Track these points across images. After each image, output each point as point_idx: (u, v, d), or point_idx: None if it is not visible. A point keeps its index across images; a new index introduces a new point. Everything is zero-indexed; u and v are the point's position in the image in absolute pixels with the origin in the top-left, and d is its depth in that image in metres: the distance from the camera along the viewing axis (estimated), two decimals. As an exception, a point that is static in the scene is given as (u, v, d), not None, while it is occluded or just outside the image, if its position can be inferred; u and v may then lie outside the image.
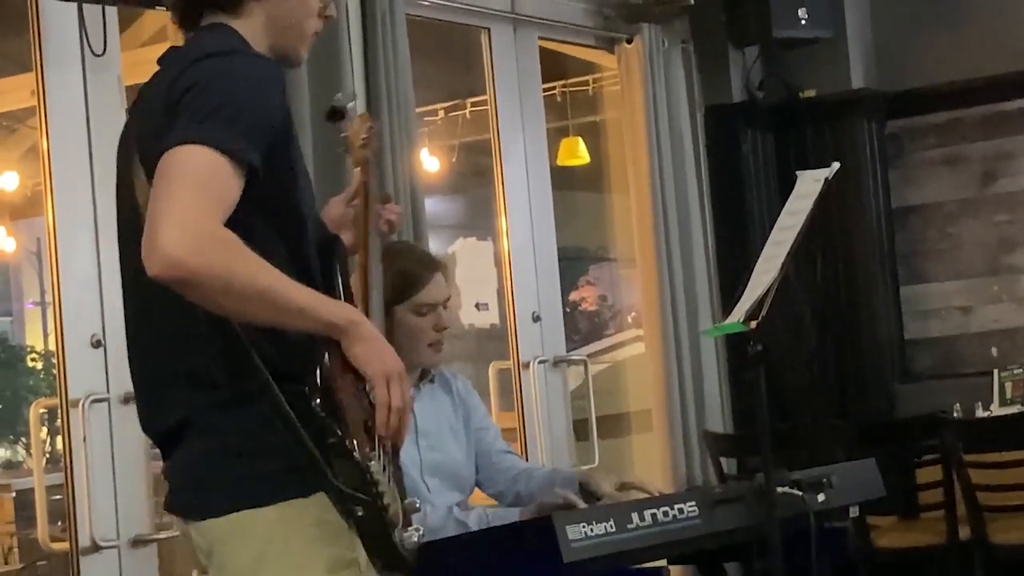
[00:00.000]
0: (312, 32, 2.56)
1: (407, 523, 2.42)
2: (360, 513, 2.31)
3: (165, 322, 2.42)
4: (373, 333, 2.37)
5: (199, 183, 2.21)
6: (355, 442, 2.31)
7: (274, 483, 2.36)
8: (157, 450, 2.55)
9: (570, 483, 3.80)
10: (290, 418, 2.27)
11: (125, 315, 2.58)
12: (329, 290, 2.47)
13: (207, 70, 2.36)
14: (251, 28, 2.50)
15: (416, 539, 2.39)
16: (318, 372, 2.32)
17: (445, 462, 3.86)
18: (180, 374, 2.42)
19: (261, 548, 2.37)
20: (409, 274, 3.81)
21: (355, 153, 2.83)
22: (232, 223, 2.23)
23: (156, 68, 2.53)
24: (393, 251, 3.90)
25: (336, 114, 2.87)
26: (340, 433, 2.30)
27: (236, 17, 2.50)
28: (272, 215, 2.38)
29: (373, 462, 2.34)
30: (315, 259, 2.48)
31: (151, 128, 2.35)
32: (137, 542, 4.29)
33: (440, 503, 3.73)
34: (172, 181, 2.22)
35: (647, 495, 3.70)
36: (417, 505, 2.43)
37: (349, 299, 2.57)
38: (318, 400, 2.30)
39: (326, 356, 2.33)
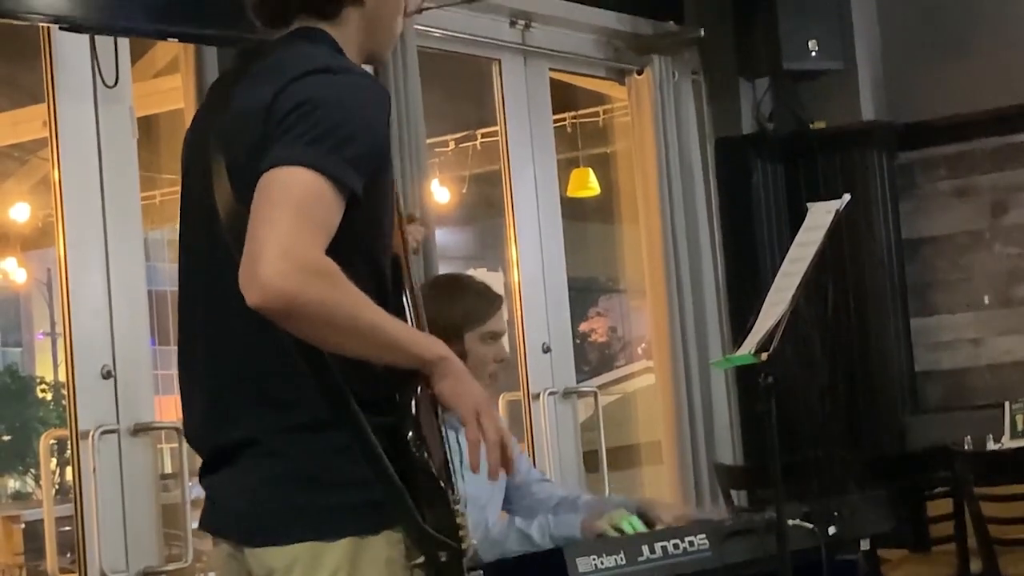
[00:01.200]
0: (399, 32, 2.53)
1: (474, 566, 2.37)
2: (444, 559, 2.25)
3: (245, 334, 2.30)
4: (461, 368, 2.31)
5: (304, 210, 2.14)
6: (444, 483, 2.30)
7: (345, 517, 2.29)
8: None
9: (630, 508, 3.80)
10: (376, 450, 2.20)
11: (187, 315, 2.46)
12: (398, 311, 2.40)
13: (317, 87, 2.27)
14: (346, 34, 2.42)
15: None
16: (413, 404, 2.29)
17: (480, 492, 3.78)
18: (254, 391, 2.33)
19: None
20: (479, 303, 3.92)
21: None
22: (329, 250, 2.17)
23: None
24: (461, 282, 4.12)
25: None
26: (435, 472, 2.28)
27: (332, 23, 2.41)
28: (363, 241, 2.30)
29: (459, 505, 2.31)
30: (390, 280, 2.40)
31: (246, 137, 2.26)
32: (147, 574, 4.28)
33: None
34: (276, 206, 2.14)
35: None
36: (475, 543, 2.38)
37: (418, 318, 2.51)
38: (411, 434, 2.26)
39: (418, 390, 2.29)
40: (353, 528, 2.28)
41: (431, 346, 2.29)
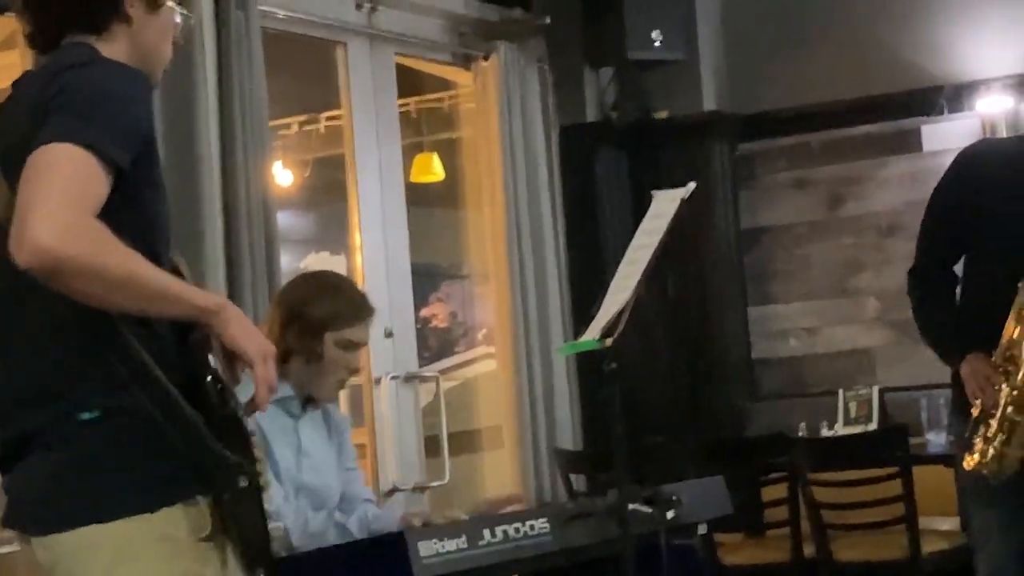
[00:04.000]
0: (168, 56, 2.61)
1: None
2: (243, 485, 2.31)
3: (20, 327, 2.42)
4: (242, 315, 2.41)
5: (68, 178, 2.23)
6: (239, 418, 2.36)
7: (122, 498, 2.33)
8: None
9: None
10: (178, 405, 2.29)
11: None
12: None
13: (78, 76, 2.38)
14: (114, 50, 2.50)
15: (279, 532, 2.41)
16: (208, 358, 2.37)
17: (320, 487, 3.94)
18: (34, 384, 2.40)
19: (108, 563, 2.34)
20: (348, 309, 3.96)
21: None
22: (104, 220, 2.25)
23: (6, 67, 2.53)
24: (338, 284, 4.16)
25: None
26: (232, 409, 2.35)
27: (100, 39, 2.51)
28: (135, 214, 2.38)
29: (256, 437, 2.39)
30: (168, 264, 2.48)
31: (16, 132, 2.35)
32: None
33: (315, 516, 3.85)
34: (41, 177, 2.23)
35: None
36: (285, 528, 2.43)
37: None
38: (208, 379, 2.34)
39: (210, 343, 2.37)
40: (128, 508, 2.33)
41: (210, 296, 2.41)
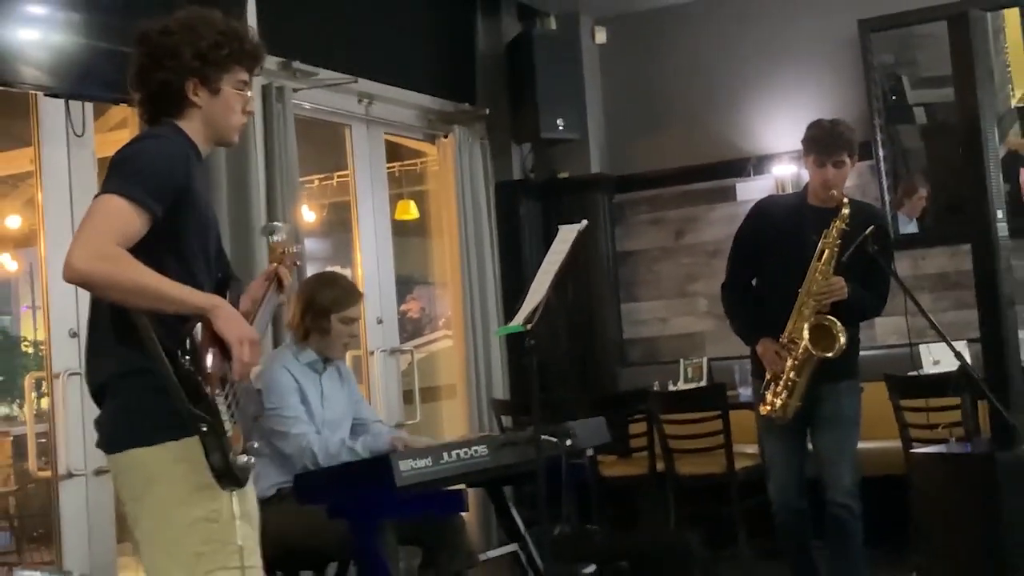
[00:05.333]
0: (239, 124, 2.50)
1: (243, 451, 2.27)
2: (204, 429, 2.20)
3: (95, 316, 2.39)
4: (233, 312, 2.30)
5: (104, 219, 2.20)
6: (209, 387, 2.22)
7: (152, 431, 2.30)
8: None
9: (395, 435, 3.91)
10: (171, 376, 2.20)
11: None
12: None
13: (131, 146, 2.35)
14: (193, 126, 2.46)
15: (245, 461, 2.25)
16: (188, 342, 2.25)
17: (337, 419, 3.91)
18: (99, 353, 2.38)
19: (146, 476, 2.32)
20: (343, 295, 3.91)
21: (274, 255, 2.80)
22: (140, 249, 2.22)
23: (122, 140, 2.46)
24: (335, 278, 4.07)
25: (268, 230, 2.85)
26: (200, 379, 2.21)
27: (181, 119, 2.45)
28: (174, 249, 2.33)
29: (219, 399, 2.22)
30: (206, 278, 2.41)
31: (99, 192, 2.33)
32: (99, 471, 4.17)
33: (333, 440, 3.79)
34: (88, 216, 2.22)
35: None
36: (256, 446, 2.30)
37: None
38: (187, 358, 2.23)
39: (196, 330, 2.25)
40: (160, 438, 2.29)
41: (207, 298, 2.29)
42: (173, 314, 2.24)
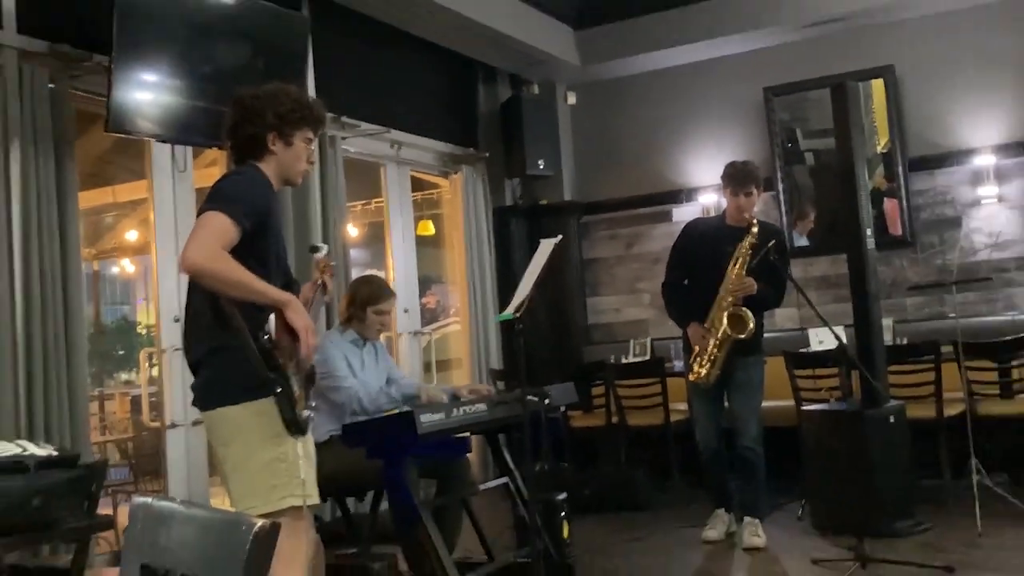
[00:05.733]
0: (303, 170, 2.50)
1: (305, 407, 2.27)
2: (279, 390, 2.20)
3: (192, 302, 2.36)
4: (300, 306, 2.28)
5: (211, 228, 2.19)
6: (282, 359, 2.22)
7: (237, 393, 2.26)
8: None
9: (448, 392, 3.82)
10: (254, 351, 2.19)
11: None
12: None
13: (227, 178, 2.35)
14: (270, 168, 2.44)
15: (307, 415, 2.25)
16: (266, 327, 2.23)
17: (371, 382, 3.86)
18: (195, 332, 2.34)
19: (232, 427, 2.29)
20: (378, 292, 3.86)
21: (318, 267, 2.76)
22: (232, 253, 2.21)
23: (215, 175, 2.48)
24: (373, 279, 3.99)
25: (313, 249, 2.82)
26: (277, 356, 2.21)
27: (260, 161, 2.44)
28: (256, 255, 2.31)
29: (291, 371, 2.22)
30: (277, 279, 2.39)
31: (201, 210, 2.31)
32: (196, 423, 4.19)
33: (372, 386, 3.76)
34: (198, 226, 2.21)
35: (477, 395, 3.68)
36: (313, 404, 2.29)
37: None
38: (267, 337, 2.21)
39: (272, 319, 2.24)
40: (242, 399, 2.26)
41: (283, 295, 2.26)
42: (252, 304, 2.22)
